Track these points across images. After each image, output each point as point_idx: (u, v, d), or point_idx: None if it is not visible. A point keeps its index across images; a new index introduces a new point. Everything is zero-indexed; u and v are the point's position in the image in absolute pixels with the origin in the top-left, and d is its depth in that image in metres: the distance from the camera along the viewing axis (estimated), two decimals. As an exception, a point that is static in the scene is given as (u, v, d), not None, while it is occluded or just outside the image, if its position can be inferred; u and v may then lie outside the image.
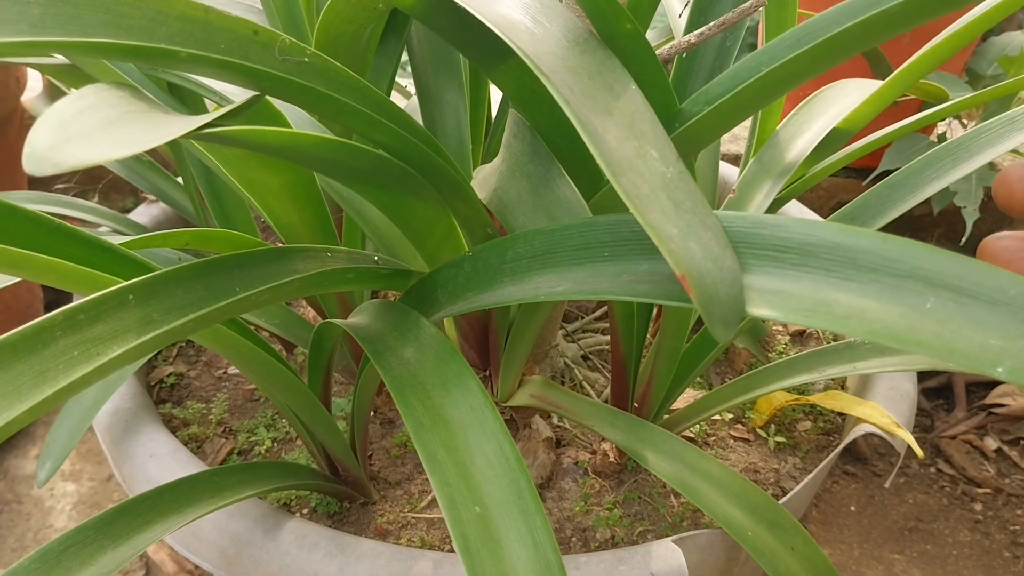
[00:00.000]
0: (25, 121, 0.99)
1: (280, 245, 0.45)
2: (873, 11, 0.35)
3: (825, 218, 0.93)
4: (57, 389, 0.31)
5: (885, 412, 0.66)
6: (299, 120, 0.57)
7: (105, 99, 0.30)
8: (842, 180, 1.28)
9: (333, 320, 0.48)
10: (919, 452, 0.63)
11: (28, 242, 0.39)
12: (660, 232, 0.30)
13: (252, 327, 0.61)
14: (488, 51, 0.48)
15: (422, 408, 0.39)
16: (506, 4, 0.43)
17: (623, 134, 0.36)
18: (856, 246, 0.31)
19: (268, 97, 0.47)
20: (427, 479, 0.68)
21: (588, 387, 0.77)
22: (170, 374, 0.76)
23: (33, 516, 1.02)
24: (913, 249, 0.31)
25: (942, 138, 1.18)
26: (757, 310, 0.31)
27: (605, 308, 0.88)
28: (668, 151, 0.37)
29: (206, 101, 0.71)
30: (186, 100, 0.71)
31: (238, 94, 0.60)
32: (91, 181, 1.12)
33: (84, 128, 0.27)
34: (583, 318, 0.86)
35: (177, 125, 0.29)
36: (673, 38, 0.87)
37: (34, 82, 1.02)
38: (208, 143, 0.58)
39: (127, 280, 0.41)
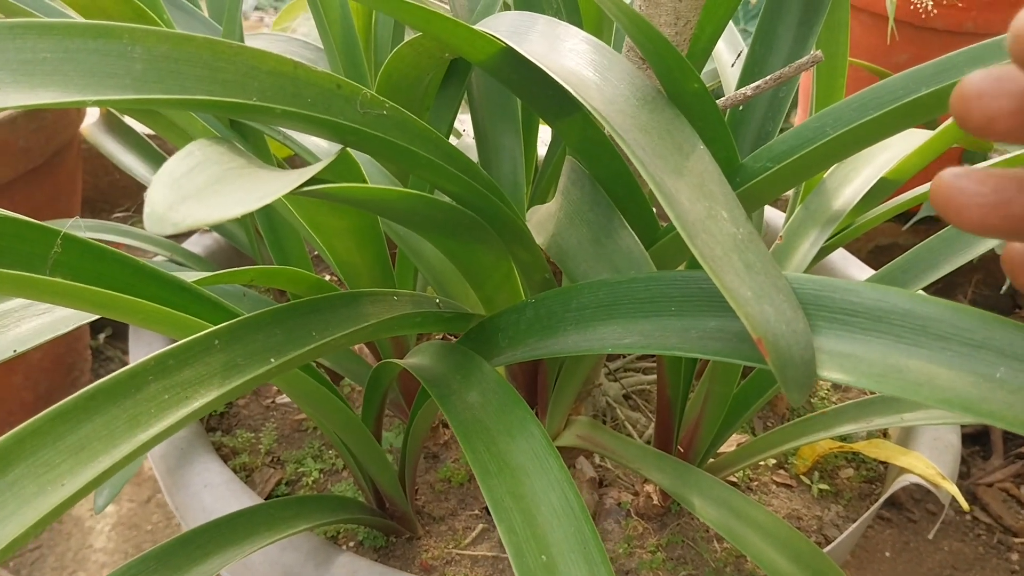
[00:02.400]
0: (82, 147, 1.02)
1: (349, 290, 0.47)
2: (945, 82, 0.36)
3: (864, 262, 0.93)
4: (152, 435, 0.32)
5: (930, 463, 0.66)
6: (360, 160, 0.59)
7: (210, 156, 0.31)
8: (881, 224, 1.28)
9: (395, 360, 0.49)
10: (965, 505, 0.63)
11: (115, 283, 0.41)
12: (736, 294, 0.31)
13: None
14: (554, 103, 0.49)
15: (488, 454, 0.40)
16: (574, 60, 0.45)
17: (694, 194, 0.37)
18: (927, 313, 0.32)
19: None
20: (471, 515, 0.69)
21: (630, 427, 0.77)
22: (219, 402, 0.78)
23: (73, 536, 1.03)
24: (984, 320, 0.31)
25: (983, 184, 1.18)
26: (830, 374, 0.32)
27: (646, 348, 0.88)
28: (737, 211, 0.38)
29: (266, 137, 0.73)
30: (248, 136, 0.73)
31: (300, 134, 0.62)
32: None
33: (197, 186, 0.28)
34: (625, 357, 0.87)
35: (279, 183, 0.31)
36: (719, 83, 0.88)
37: (92, 109, 1.05)
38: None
39: (203, 318, 0.42)
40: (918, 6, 1.04)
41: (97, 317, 0.43)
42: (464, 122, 1.16)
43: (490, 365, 0.47)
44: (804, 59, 0.56)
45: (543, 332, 0.45)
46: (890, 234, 1.29)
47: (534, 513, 0.37)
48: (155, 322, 0.41)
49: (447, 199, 0.43)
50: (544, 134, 0.84)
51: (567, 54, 0.45)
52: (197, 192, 0.28)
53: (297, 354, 0.38)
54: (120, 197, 1.20)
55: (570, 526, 0.37)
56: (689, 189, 0.37)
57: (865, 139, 0.42)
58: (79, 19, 0.63)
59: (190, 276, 0.50)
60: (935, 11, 1.04)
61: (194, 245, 0.91)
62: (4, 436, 0.30)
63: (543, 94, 0.49)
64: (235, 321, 0.38)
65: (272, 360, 0.37)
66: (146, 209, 0.26)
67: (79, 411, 0.32)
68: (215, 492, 0.61)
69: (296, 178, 0.32)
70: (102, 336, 1.24)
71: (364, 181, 0.47)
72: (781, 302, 0.33)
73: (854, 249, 1.30)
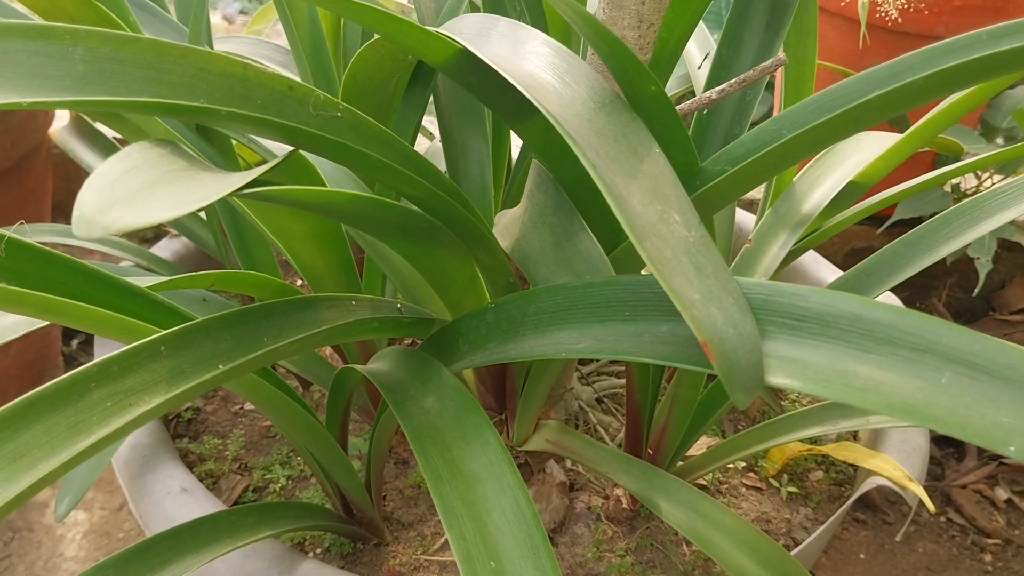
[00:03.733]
0: (52, 151, 1.01)
1: (305, 295, 0.46)
2: (897, 83, 0.36)
3: (838, 266, 0.94)
4: (92, 442, 0.32)
5: (898, 465, 0.66)
6: (324, 165, 0.59)
7: (148, 159, 0.31)
8: (856, 227, 1.29)
9: (354, 366, 0.49)
10: (931, 507, 0.63)
11: (65, 288, 0.40)
12: (683, 297, 0.31)
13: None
14: (515, 107, 0.49)
15: (441, 460, 0.40)
16: (533, 63, 0.44)
17: (647, 198, 0.37)
18: (874, 318, 0.32)
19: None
20: (440, 521, 0.68)
21: (602, 431, 0.77)
22: (187, 408, 0.77)
23: (44, 544, 1.02)
24: (930, 324, 0.31)
25: (955, 188, 1.18)
26: (776, 379, 0.32)
27: (619, 351, 0.88)
28: (690, 215, 0.38)
29: (232, 141, 0.72)
30: (213, 140, 0.72)
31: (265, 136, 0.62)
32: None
33: (130, 190, 0.28)
34: (598, 361, 0.87)
35: (218, 185, 0.30)
36: (691, 87, 0.88)
37: (61, 113, 1.04)
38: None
39: (156, 324, 0.42)
40: (884, 15, 1.04)
41: (47, 324, 0.43)
42: (436, 125, 1.16)
43: (450, 371, 0.46)
44: (768, 62, 0.56)
45: (502, 336, 0.45)
46: (865, 237, 1.30)
47: (485, 520, 0.37)
48: (106, 328, 0.40)
49: (395, 202, 0.43)
50: (517, 138, 0.84)
51: (527, 57, 0.45)
52: (130, 196, 0.27)
53: (246, 359, 0.38)
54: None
55: (521, 533, 0.36)
56: (642, 192, 0.37)
57: (822, 140, 0.42)
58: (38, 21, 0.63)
59: (148, 281, 0.50)
60: (900, 19, 1.04)
61: (162, 250, 0.90)
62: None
63: (503, 97, 0.49)
64: (183, 326, 0.37)
65: (220, 366, 0.37)
66: (74, 213, 0.25)
67: (18, 419, 0.31)
68: (178, 499, 0.61)
69: (238, 180, 0.31)
70: (75, 342, 1.23)
71: (321, 184, 0.46)
72: (730, 305, 0.33)
73: (829, 252, 1.31)
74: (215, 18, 2.34)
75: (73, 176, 1.19)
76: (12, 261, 0.38)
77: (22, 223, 0.52)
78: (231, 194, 0.29)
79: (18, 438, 0.31)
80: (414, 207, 0.44)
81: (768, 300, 0.34)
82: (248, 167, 0.71)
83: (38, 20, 0.64)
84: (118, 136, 0.93)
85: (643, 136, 0.41)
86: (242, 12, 2.45)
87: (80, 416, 0.32)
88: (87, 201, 0.25)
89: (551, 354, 0.40)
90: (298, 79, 0.41)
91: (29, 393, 0.32)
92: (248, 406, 0.79)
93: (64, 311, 0.38)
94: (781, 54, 0.56)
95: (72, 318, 0.39)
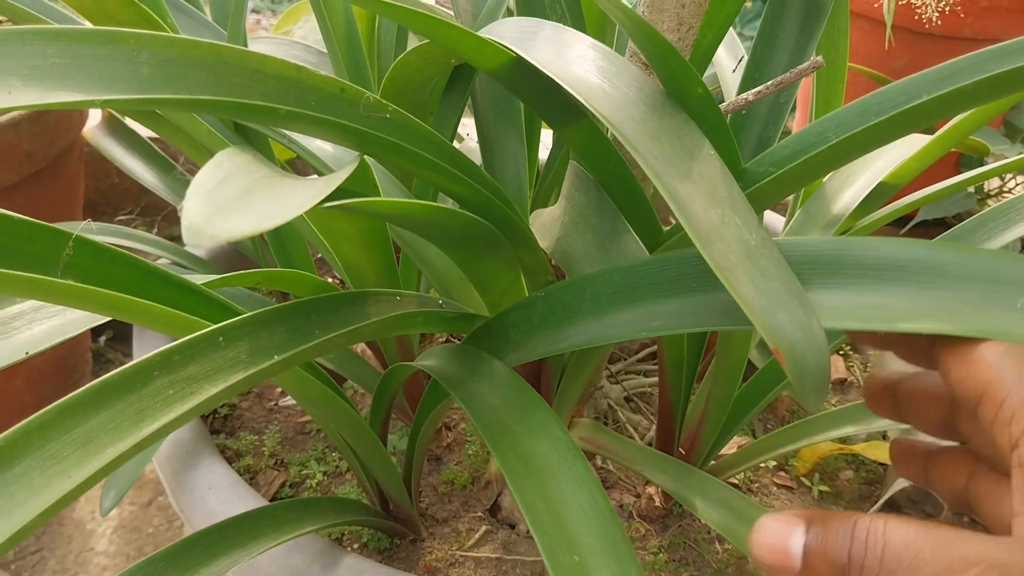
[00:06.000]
0: (84, 150, 1.02)
1: (353, 291, 0.47)
2: (948, 88, 0.37)
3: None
4: (157, 427, 0.32)
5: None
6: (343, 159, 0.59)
7: (239, 167, 0.32)
8: (880, 228, 1.29)
9: (409, 363, 0.50)
10: (964, 507, 0.63)
11: (123, 284, 0.41)
12: (752, 305, 0.31)
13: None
14: (559, 109, 0.50)
15: (515, 456, 0.40)
16: (581, 67, 0.45)
17: (707, 201, 0.37)
18: (945, 260, 0.33)
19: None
20: (474, 517, 0.69)
21: (631, 429, 0.78)
22: (223, 404, 0.78)
23: (75, 539, 1.03)
24: (996, 257, 0.33)
25: (979, 189, 1.19)
26: (868, 325, 0.33)
27: (649, 350, 0.89)
28: (749, 217, 0.38)
29: (270, 141, 0.73)
30: (251, 139, 0.73)
31: (303, 136, 0.63)
32: (150, 212, 1.14)
33: (228, 199, 0.29)
34: (626, 359, 0.87)
35: (310, 193, 0.31)
36: (719, 88, 0.89)
37: (94, 112, 1.05)
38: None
39: (211, 320, 0.43)
40: (921, 16, 1.04)
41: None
42: (466, 126, 1.17)
43: (504, 364, 0.47)
44: (805, 65, 0.56)
45: (558, 324, 0.45)
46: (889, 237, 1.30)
47: (563, 514, 0.37)
48: (164, 324, 0.41)
49: (462, 210, 0.44)
50: (546, 138, 0.85)
51: (574, 61, 0.45)
52: (229, 204, 0.28)
53: (300, 349, 0.38)
54: (122, 200, 1.20)
55: (600, 527, 0.37)
56: (702, 195, 0.37)
57: (866, 144, 0.43)
58: (86, 23, 0.64)
59: (198, 279, 0.51)
60: (939, 21, 1.04)
61: (197, 248, 0.91)
62: (11, 429, 0.31)
63: (549, 100, 0.49)
64: (239, 318, 0.38)
65: (276, 356, 0.37)
66: (184, 222, 0.26)
67: (86, 405, 0.32)
68: (220, 494, 0.62)
69: (323, 188, 0.32)
70: (103, 339, 1.24)
71: (376, 186, 0.47)
72: (795, 308, 0.33)
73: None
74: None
75: (102, 175, 1.20)
76: (77, 258, 0.39)
77: (89, 222, 0.53)
78: (321, 203, 0.30)
79: (86, 424, 0.32)
80: (476, 216, 0.44)
81: (840, 254, 0.35)
82: (281, 164, 0.72)
83: (83, 21, 0.65)
84: (151, 135, 0.94)
85: (697, 138, 0.42)
86: (253, 11, 2.47)
87: (144, 403, 0.33)
88: (194, 211, 0.26)
89: (625, 336, 0.40)
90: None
91: (95, 381, 0.33)
92: (282, 402, 0.80)
93: (127, 307, 0.39)
94: (818, 57, 0.57)
95: (134, 314, 0.39)
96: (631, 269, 0.42)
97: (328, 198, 0.34)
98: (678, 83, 0.45)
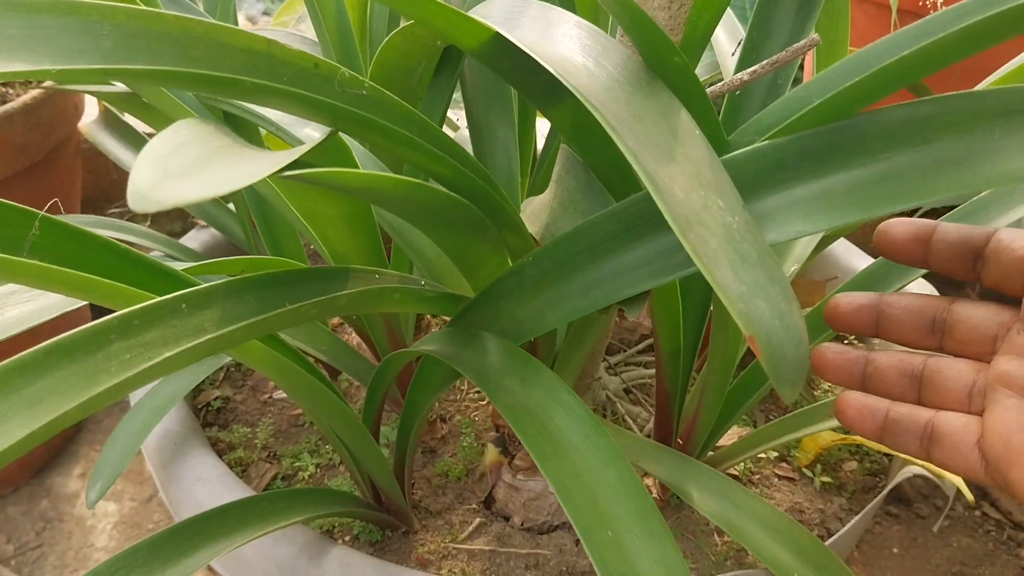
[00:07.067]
0: (81, 146, 1.02)
1: (330, 266, 0.46)
2: (928, 40, 0.35)
3: (869, 254, 0.92)
4: (107, 387, 0.31)
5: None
6: (355, 151, 0.58)
7: (197, 135, 0.31)
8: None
9: (407, 349, 0.48)
10: (969, 497, 0.62)
11: (98, 268, 0.40)
12: (728, 291, 0.30)
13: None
14: (546, 91, 0.49)
15: (542, 438, 0.39)
16: (566, 46, 0.44)
17: (690, 184, 0.36)
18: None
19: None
20: (468, 509, 0.68)
21: (630, 421, 0.77)
22: (216, 397, 0.77)
23: (75, 535, 1.03)
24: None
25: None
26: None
27: (648, 342, 0.87)
28: (734, 199, 0.37)
29: (260, 129, 0.72)
30: (240, 128, 0.72)
31: (292, 123, 0.61)
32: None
33: (182, 165, 0.28)
34: (625, 351, 0.86)
35: (266, 163, 0.30)
36: (719, 73, 0.87)
37: (91, 107, 1.04)
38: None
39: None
40: (926, 1, 1.03)
41: (84, 304, 0.43)
42: (462, 116, 1.15)
43: (510, 342, 0.46)
44: (801, 43, 0.54)
45: (557, 280, 0.44)
46: (896, 227, 1.28)
47: (594, 491, 0.37)
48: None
49: (440, 188, 0.42)
50: (542, 126, 0.84)
51: (559, 40, 0.44)
52: (182, 171, 0.27)
53: (265, 316, 0.37)
54: (122, 195, 1.19)
55: (630, 501, 0.37)
56: (685, 178, 0.36)
57: (853, 103, 0.41)
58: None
59: (179, 266, 0.50)
60: (943, 6, 1.03)
61: (191, 241, 0.90)
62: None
63: (535, 81, 0.48)
64: (206, 286, 0.37)
65: (239, 323, 0.36)
66: (129, 187, 0.25)
67: (36, 366, 0.31)
68: (208, 486, 0.61)
69: (284, 158, 0.31)
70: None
71: (356, 166, 0.46)
72: (776, 295, 0.32)
73: (861, 240, 1.29)
74: (239, 18, 2.37)
75: (101, 170, 1.20)
76: (46, 240, 0.38)
77: (55, 201, 0.52)
78: (280, 171, 0.29)
79: (36, 383, 0.31)
80: (457, 196, 0.43)
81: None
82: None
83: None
84: (148, 130, 0.94)
85: (683, 117, 0.41)
86: (265, 13, 2.47)
87: (99, 366, 0.32)
88: (141, 176, 0.25)
89: (645, 281, 0.40)
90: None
91: (47, 342, 0.32)
92: (276, 395, 0.79)
93: (95, 288, 0.38)
94: (815, 35, 0.55)
95: (105, 296, 0.39)
96: (631, 205, 0.41)
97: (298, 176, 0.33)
98: (655, 51, 0.44)
